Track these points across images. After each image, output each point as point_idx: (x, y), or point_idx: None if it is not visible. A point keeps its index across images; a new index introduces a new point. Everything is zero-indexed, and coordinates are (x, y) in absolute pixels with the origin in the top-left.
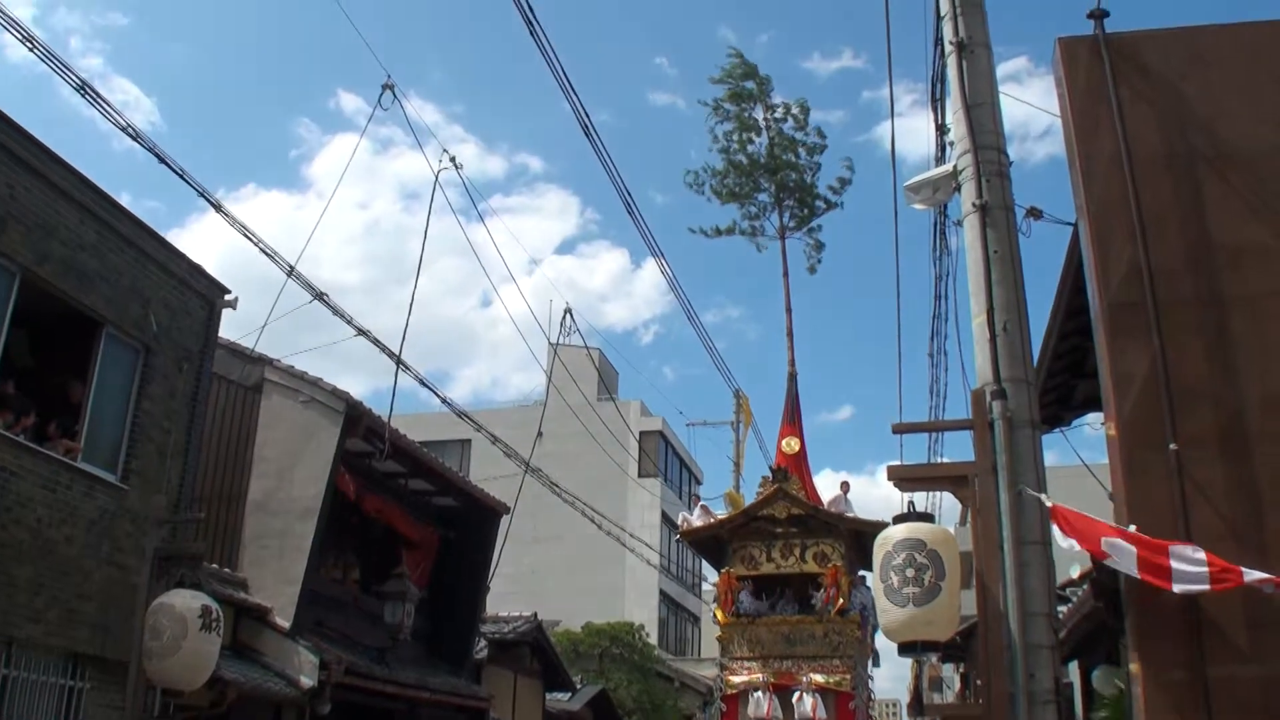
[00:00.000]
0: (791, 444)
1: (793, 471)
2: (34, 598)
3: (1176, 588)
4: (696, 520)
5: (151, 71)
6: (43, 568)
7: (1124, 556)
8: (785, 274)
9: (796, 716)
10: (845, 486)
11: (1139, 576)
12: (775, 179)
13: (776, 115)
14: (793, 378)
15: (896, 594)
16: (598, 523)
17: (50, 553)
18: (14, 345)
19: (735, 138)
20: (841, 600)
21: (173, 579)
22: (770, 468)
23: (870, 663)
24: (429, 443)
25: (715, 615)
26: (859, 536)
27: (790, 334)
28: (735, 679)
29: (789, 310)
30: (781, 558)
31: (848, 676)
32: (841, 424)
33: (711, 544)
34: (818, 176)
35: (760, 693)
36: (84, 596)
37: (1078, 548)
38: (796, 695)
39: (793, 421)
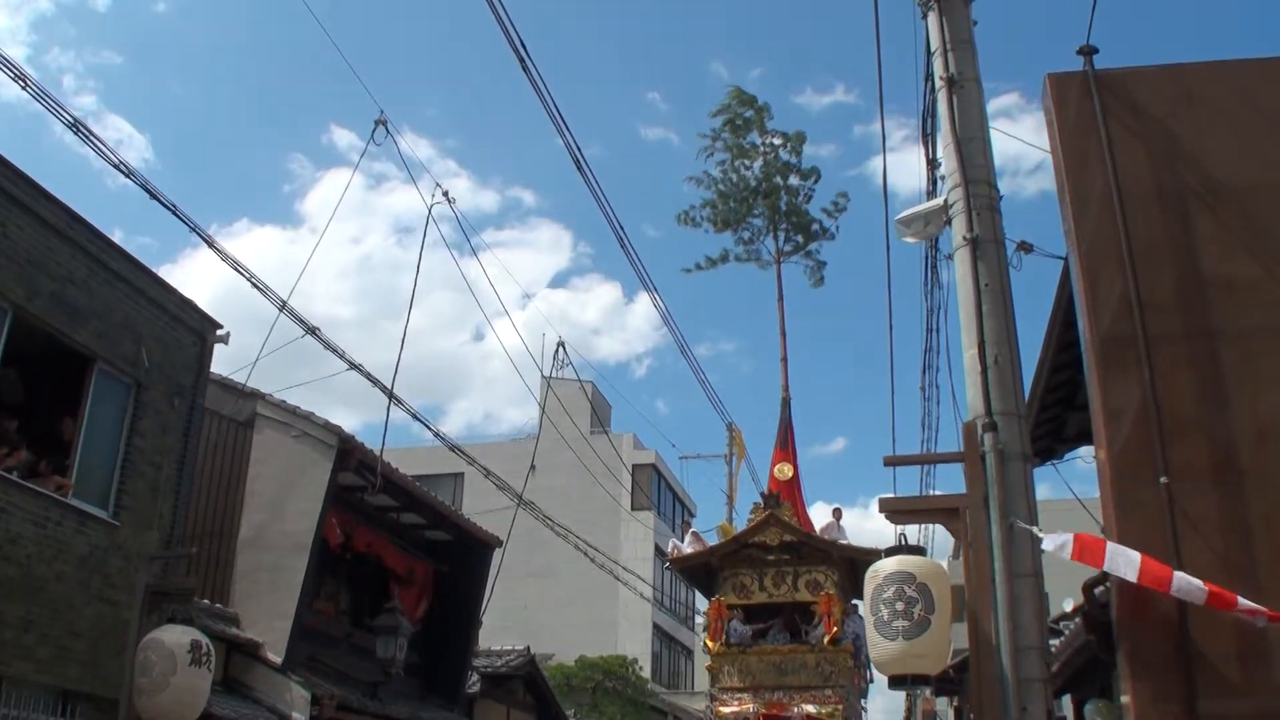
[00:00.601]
0: (784, 470)
1: (785, 498)
2: (24, 635)
3: (1173, 591)
4: (687, 548)
5: (145, 109)
6: (33, 605)
7: (1126, 563)
8: (780, 299)
9: None
10: (838, 513)
11: (1136, 581)
12: (768, 201)
13: (774, 141)
14: (786, 403)
15: (886, 627)
16: (591, 556)
17: (41, 590)
18: (5, 382)
19: (730, 164)
20: (834, 629)
21: (164, 615)
22: (762, 494)
23: (862, 693)
24: (422, 477)
25: (705, 644)
26: (852, 564)
27: (784, 359)
28: (725, 710)
29: (783, 335)
30: (773, 586)
31: (840, 707)
32: (834, 456)
33: (702, 572)
34: (811, 204)
35: None
36: (75, 633)
37: (1070, 551)
38: None
39: (785, 447)
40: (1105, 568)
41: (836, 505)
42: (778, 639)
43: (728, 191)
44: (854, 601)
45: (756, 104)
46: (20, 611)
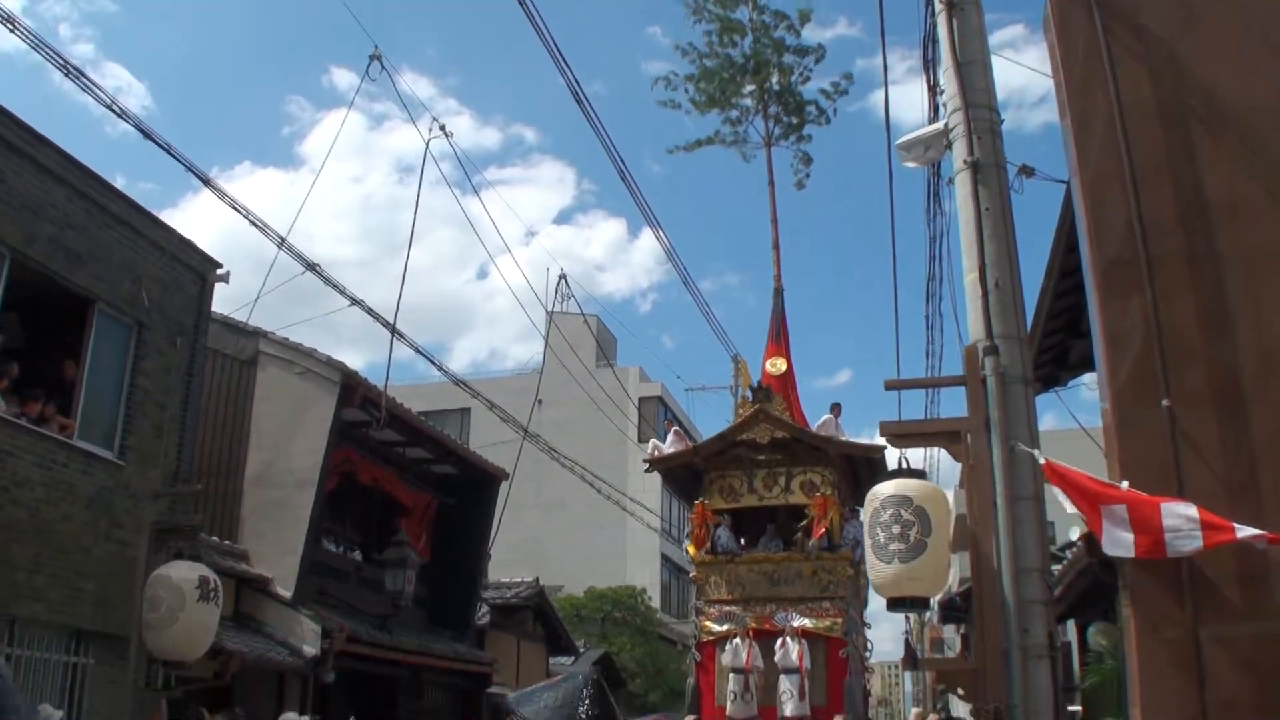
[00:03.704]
0: (777, 364)
1: (778, 393)
2: (34, 576)
3: (1170, 554)
4: (669, 447)
5: (142, 56)
6: (42, 546)
7: (1120, 540)
8: (771, 183)
9: (780, 666)
10: (837, 409)
11: (1135, 556)
12: (757, 79)
13: (765, 18)
14: (779, 293)
15: (883, 550)
16: (598, 488)
17: (49, 531)
18: (6, 326)
19: (716, 36)
20: (823, 530)
21: (171, 552)
22: (750, 386)
23: (865, 607)
24: (428, 413)
25: (688, 553)
26: (851, 464)
27: (776, 246)
28: (712, 625)
29: (774, 221)
30: (764, 488)
31: (839, 620)
32: (839, 387)
33: (685, 474)
34: (809, 85)
35: (739, 640)
36: (84, 573)
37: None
38: (780, 642)
39: (779, 340)
40: (1104, 549)
41: (835, 401)
42: (770, 546)
43: (713, 68)
44: (855, 508)
45: None
46: (30, 554)
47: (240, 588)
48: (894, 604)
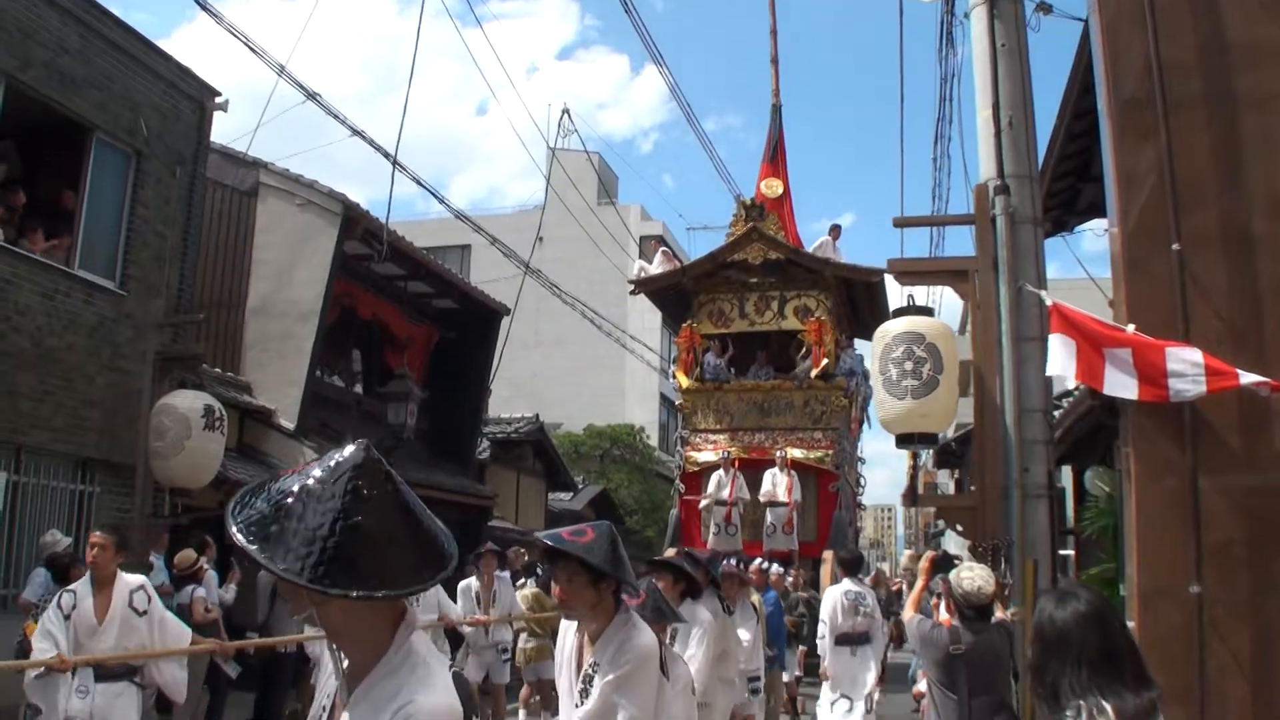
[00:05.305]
0: (773, 185)
1: (772, 213)
2: (39, 404)
3: (1172, 398)
4: (655, 268)
5: None
6: (46, 375)
7: (1124, 383)
8: None
9: (766, 500)
10: (836, 231)
11: (1138, 400)
12: None
13: None
14: (776, 109)
15: (895, 386)
16: (598, 325)
17: (53, 360)
18: (3, 153)
19: None
20: (824, 360)
21: (174, 382)
22: (742, 202)
23: (859, 438)
24: (428, 249)
25: (675, 379)
26: (849, 289)
27: (775, 60)
28: (698, 455)
29: (774, 33)
30: (756, 313)
31: (830, 452)
32: (845, 230)
33: (672, 297)
34: None
35: (723, 471)
36: (89, 402)
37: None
38: (768, 474)
39: (774, 160)
40: (1105, 391)
41: (834, 222)
42: (760, 374)
43: None
44: (851, 337)
45: None
46: (34, 382)
47: (243, 419)
48: (903, 440)
